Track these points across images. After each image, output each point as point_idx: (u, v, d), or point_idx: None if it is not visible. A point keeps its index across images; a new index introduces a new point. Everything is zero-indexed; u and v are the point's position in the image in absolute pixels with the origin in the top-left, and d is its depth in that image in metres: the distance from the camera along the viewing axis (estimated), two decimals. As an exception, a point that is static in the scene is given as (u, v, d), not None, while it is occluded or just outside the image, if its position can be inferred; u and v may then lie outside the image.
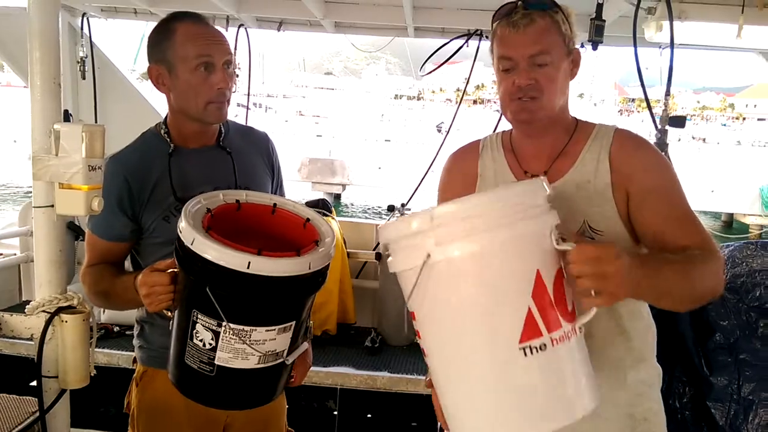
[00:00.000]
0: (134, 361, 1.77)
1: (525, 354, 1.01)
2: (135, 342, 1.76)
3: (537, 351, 1.02)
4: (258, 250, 1.23)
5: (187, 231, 1.27)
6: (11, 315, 1.61)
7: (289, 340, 1.35)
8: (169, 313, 1.40)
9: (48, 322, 1.54)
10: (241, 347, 1.28)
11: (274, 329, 1.30)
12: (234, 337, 1.27)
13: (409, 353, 3.78)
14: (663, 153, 2.77)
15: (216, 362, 1.30)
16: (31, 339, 1.58)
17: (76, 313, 1.57)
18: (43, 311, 1.55)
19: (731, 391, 2.45)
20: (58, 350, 1.56)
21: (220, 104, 1.59)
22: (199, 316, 1.29)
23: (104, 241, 1.64)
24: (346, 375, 3.44)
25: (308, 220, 1.46)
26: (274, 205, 1.48)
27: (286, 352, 1.36)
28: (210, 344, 1.29)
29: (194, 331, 1.31)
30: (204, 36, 1.57)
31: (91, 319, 1.60)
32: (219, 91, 1.57)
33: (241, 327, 1.27)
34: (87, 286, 1.63)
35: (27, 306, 1.59)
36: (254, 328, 1.28)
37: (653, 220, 1.33)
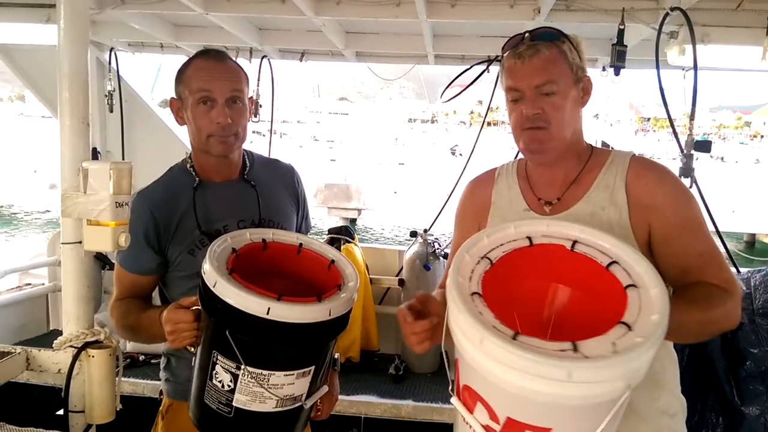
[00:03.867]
0: (160, 392, 1.78)
1: None
2: (162, 374, 1.77)
3: None
4: (279, 296, 1.23)
5: (210, 273, 1.27)
6: (39, 350, 1.63)
7: (308, 384, 1.34)
8: (192, 349, 1.41)
9: (75, 357, 1.56)
10: (259, 391, 1.28)
11: (293, 374, 1.30)
12: (252, 380, 1.27)
13: (433, 381, 3.75)
14: (689, 178, 2.78)
15: (234, 404, 1.30)
16: (59, 373, 1.60)
17: (103, 348, 1.59)
18: (71, 346, 1.58)
19: (764, 422, 2.38)
20: (85, 385, 1.58)
21: (222, 138, 1.60)
22: (219, 357, 1.29)
23: (132, 274, 1.66)
24: (370, 404, 3.42)
25: (333, 261, 1.45)
26: (300, 245, 1.48)
27: (304, 396, 1.35)
28: (229, 386, 1.29)
29: (214, 372, 1.31)
30: (208, 71, 1.59)
31: (117, 354, 1.62)
32: (218, 126, 1.58)
33: (259, 371, 1.27)
34: (115, 319, 1.65)
35: (55, 341, 1.61)
36: (273, 372, 1.28)
37: (679, 257, 1.32)
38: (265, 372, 1.27)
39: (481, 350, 0.92)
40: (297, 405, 1.35)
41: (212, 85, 1.57)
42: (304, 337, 1.27)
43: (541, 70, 1.35)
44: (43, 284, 4.34)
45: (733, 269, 3.12)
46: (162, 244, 1.63)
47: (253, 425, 1.34)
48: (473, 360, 0.96)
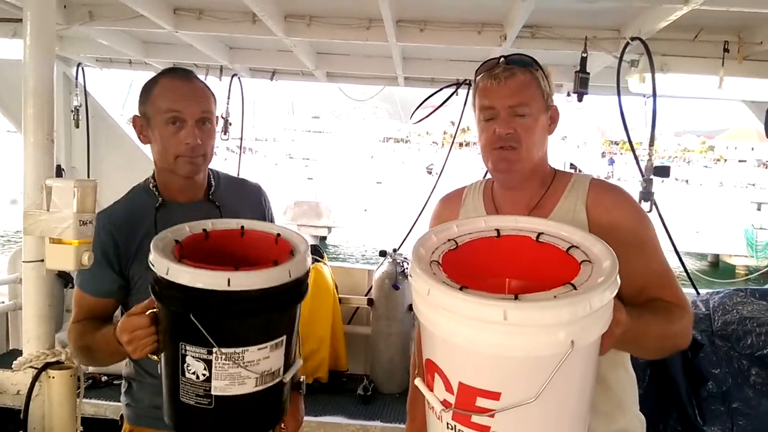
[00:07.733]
0: (121, 417, 1.73)
1: None
2: (122, 399, 1.72)
3: None
4: (235, 266, 1.22)
5: (159, 261, 1.24)
6: (-2, 371, 1.60)
7: (282, 356, 1.32)
8: (155, 357, 1.36)
9: (35, 378, 1.53)
10: (236, 371, 1.25)
11: (266, 347, 1.28)
12: (227, 361, 1.24)
13: (401, 401, 3.72)
14: (649, 202, 2.85)
15: (212, 392, 1.26)
16: (18, 395, 1.56)
17: (64, 369, 1.57)
18: (31, 367, 1.54)
19: (725, 441, 2.44)
20: (45, 407, 1.54)
21: (190, 158, 1.59)
22: (188, 347, 1.25)
23: (91, 297, 1.61)
24: (338, 425, 3.40)
25: (279, 235, 1.44)
26: (242, 227, 1.47)
27: (282, 369, 1.33)
28: (203, 374, 1.25)
29: (185, 365, 1.27)
30: (178, 91, 1.58)
31: (78, 375, 1.59)
32: (187, 147, 1.57)
33: (232, 350, 1.24)
34: (71, 342, 1.59)
35: (14, 362, 1.58)
36: (246, 348, 1.25)
37: (636, 276, 1.33)
38: (238, 350, 1.24)
39: (429, 302, 0.97)
40: (276, 380, 1.31)
41: (182, 106, 1.56)
42: (270, 303, 1.25)
43: (516, 92, 1.39)
44: (3, 302, 4.22)
45: (692, 291, 3.20)
46: (123, 266, 1.60)
47: (236, 410, 1.29)
48: (425, 317, 1.01)
